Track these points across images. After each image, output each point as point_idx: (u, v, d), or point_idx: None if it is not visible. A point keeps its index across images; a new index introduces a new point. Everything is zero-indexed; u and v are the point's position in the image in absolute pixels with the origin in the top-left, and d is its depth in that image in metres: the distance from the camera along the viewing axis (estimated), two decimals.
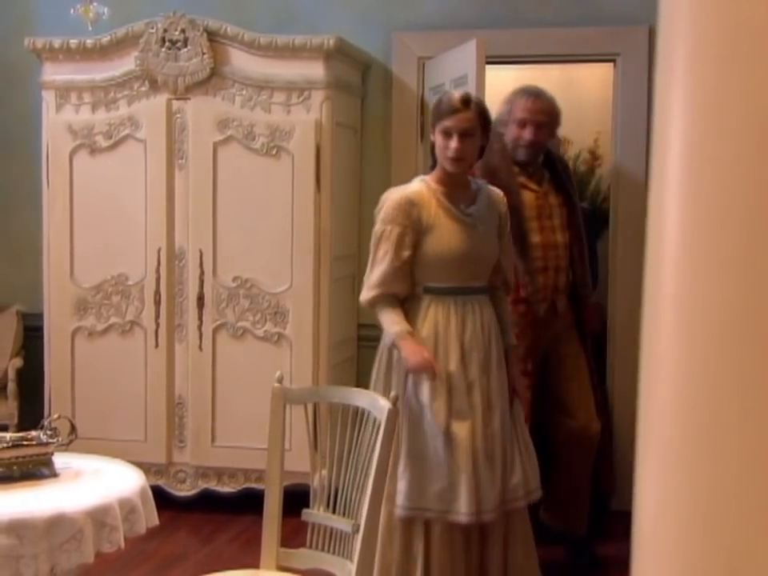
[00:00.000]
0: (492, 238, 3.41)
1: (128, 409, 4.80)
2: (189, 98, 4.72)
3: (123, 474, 2.87)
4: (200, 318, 4.75)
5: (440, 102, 3.39)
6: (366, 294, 3.34)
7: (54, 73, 4.84)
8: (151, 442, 4.75)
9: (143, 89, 4.76)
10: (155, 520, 2.79)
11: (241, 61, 4.68)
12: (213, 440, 4.77)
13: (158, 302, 4.77)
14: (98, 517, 2.56)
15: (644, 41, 4.72)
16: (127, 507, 2.65)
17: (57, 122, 4.84)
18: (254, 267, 4.69)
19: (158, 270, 4.76)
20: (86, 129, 4.81)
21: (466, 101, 3.29)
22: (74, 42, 4.76)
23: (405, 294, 3.34)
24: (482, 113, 3.34)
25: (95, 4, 3.12)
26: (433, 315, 3.31)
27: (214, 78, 4.68)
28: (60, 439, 2.85)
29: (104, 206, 4.83)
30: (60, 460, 2.84)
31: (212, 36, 4.65)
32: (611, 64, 4.93)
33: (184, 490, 4.78)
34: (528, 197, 4.03)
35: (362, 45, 4.97)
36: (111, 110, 4.80)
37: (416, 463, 3.23)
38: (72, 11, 3.21)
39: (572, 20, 4.80)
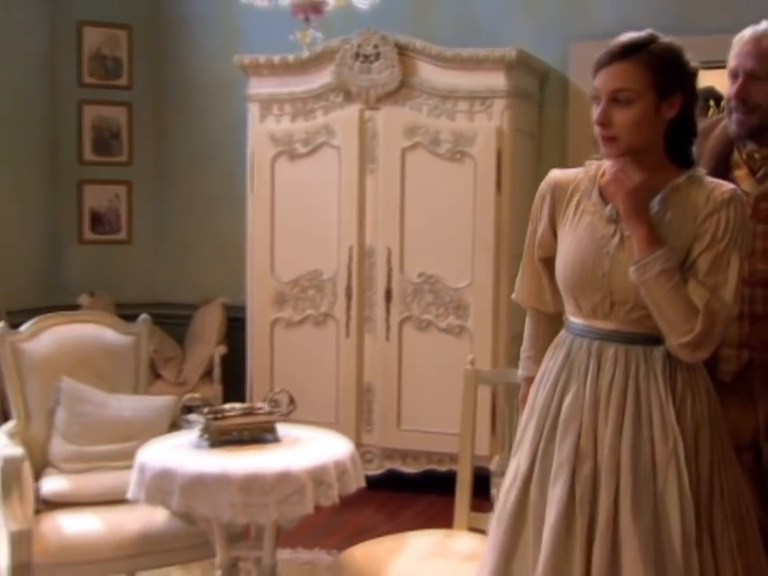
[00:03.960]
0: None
1: (321, 393, 5.23)
2: (380, 108, 5.12)
3: (335, 441, 3.28)
4: (387, 311, 5.15)
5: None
6: None
7: (259, 86, 5.33)
8: (342, 424, 5.16)
9: (338, 100, 5.19)
10: (362, 482, 3.16)
11: (428, 72, 5.05)
12: (398, 424, 5.15)
13: (349, 296, 5.20)
14: (317, 475, 2.96)
15: None
16: (340, 468, 3.04)
17: (260, 131, 5.33)
18: (437, 264, 5.05)
19: (349, 267, 5.18)
20: (287, 137, 5.28)
21: (624, 48, 2.18)
22: (276, 59, 5.23)
23: None
24: (656, 63, 2.17)
25: (311, 30, 3.54)
26: None
27: (403, 89, 5.07)
28: (281, 410, 3.28)
29: (301, 207, 5.28)
30: (280, 427, 3.27)
31: (402, 50, 5.04)
32: None
33: (371, 470, 5.17)
34: None
35: (540, 54, 5.25)
36: (309, 119, 5.26)
37: None
38: (291, 37, 3.64)
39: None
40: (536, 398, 2.32)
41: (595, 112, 2.20)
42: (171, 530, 3.27)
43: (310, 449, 3.16)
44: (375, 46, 5.07)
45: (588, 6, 5.32)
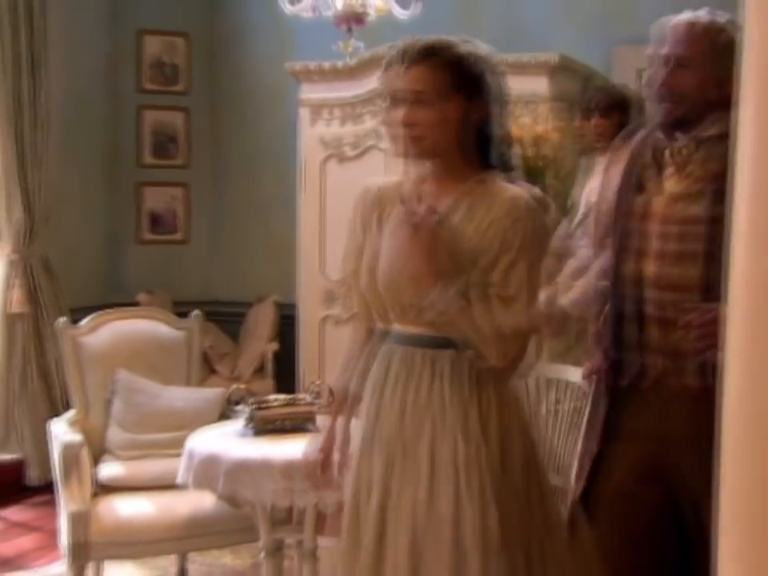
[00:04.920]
0: None
1: None
2: None
3: None
4: None
5: None
6: None
7: (309, 92, 5.51)
8: None
9: (385, 104, 5.34)
10: None
11: None
12: None
13: None
14: None
15: None
16: None
17: (311, 135, 5.51)
18: None
19: None
20: (336, 140, 5.46)
21: (427, 50, 2.20)
22: (327, 65, 5.41)
23: None
24: (459, 66, 2.20)
25: (353, 40, 3.70)
26: None
27: None
28: (322, 401, 3.45)
29: (350, 208, 5.44)
30: (320, 418, 3.44)
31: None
32: None
33: None
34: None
35: (583, 59, 5.36)
36: (357, 123, 5.42)
37: None
38: (334, 47, 3.81)
39: None
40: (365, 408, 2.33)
41: (389, 112, 2.24)
42: (218, 513, 3.47)
43: None
44: None
45: (631, 10, 5.41)
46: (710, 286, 2.25)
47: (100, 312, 4.02)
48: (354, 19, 3.68)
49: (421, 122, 2.18)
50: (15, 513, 4.88)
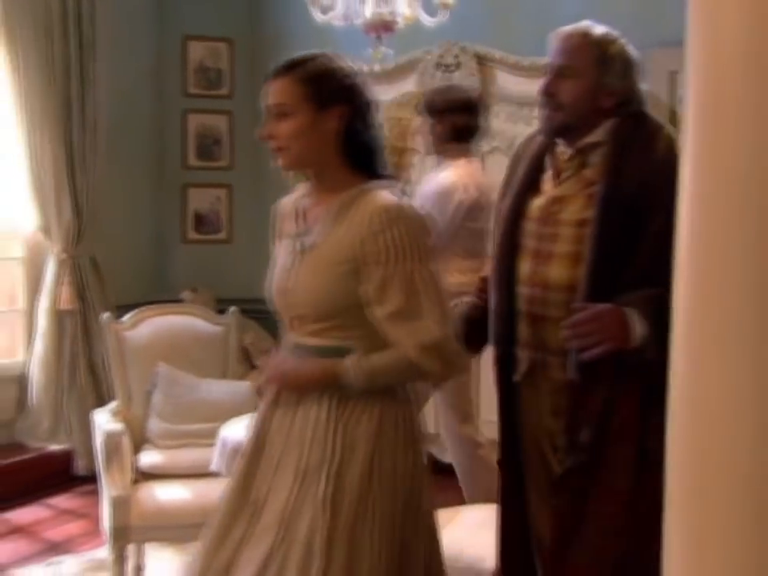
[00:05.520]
0: None
1: None
2: None
3: None
4: None
5: None
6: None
7: None
8: None
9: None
10: None
11: (505, 81, 5.31)
12: None
13: None
14: None
15: None
16: None
17: None
18: None
19: None
20: None
21: (283, 65, 2.28)
22: (365, 68, 5.54)
23: None
24: (309, 77, 2.24)
25: (383, 48, 3.85)
26: None
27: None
28: None
29: None
30: None
31: (481, 60, 5.31)
32: None
33: None
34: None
35: None
36: None
37: None
38: (364, 53, 3.97)
39: None
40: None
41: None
42: None
43: None
44: (455, 56, 5.35)
45: (664, 13, 5.48)
46: (576, 286, 2.34)
47: (142, 308, 4.21)
48: (382, 27, 3.82)
49: (282, 134, 2.24)
50: (64, 501, 5.10)
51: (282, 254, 2.37)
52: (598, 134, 2.42)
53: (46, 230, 5.50)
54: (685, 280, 1.11)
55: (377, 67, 5.47)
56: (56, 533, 4.62)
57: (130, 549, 3.66)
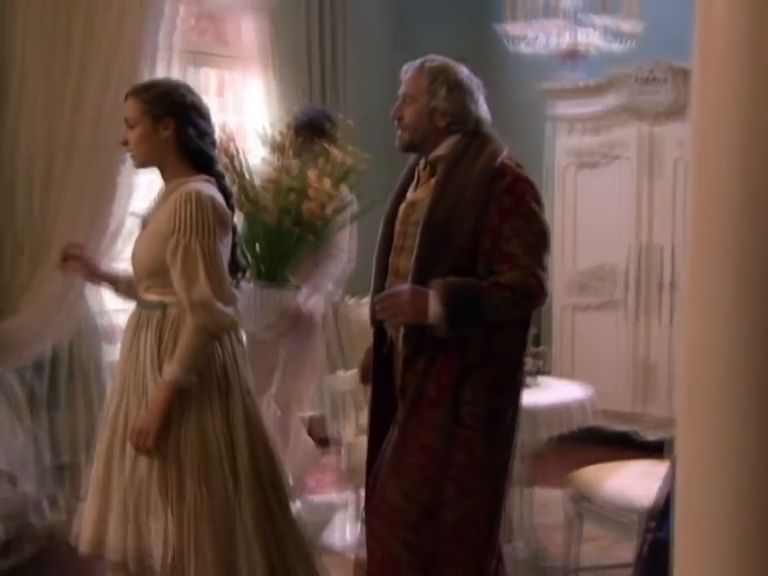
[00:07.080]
0: None
1: (607, 366, 6.08)
2: (661, 125, 5.92)
3: (575, 389, 4.25)
4: (663, 300, 5.95)
5: None
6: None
7: (558, 107, 6.26)
8: (620, 395, 6.05)
9: (626, 117, 6.02)
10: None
11: None
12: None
13: (638, 286, 6.04)
14: (557, 410, 3.93)
15: None
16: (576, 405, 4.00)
17: (559, 146, 6.28)
18: None
19: (637, 260, 6.03)
20: (582, 151, 6.19)
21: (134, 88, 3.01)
22: (581, 83, 6.09)
23: None
24: (147, 97, 2.91)
25: (575, 72, 4.41)
26: None
27: (682, 108, 5.77)
28: (543, 363, 4.25)
29: (593, 210, 6.17)
30: (541, 377, 4.25)
31: (680, 74, 5.77)
32: None
33: (650, 436, 5.93)
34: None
35: None
36: (602, 135, 6.12)
37: None
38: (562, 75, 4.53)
39: None
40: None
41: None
42: None
43: (556, 392, 4.15)
44: (656, 71, 5.85)
45: None
46: (415, 276, 2.82)
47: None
48: (569, 56, 4.40)
49: (131, 141, 2.89)
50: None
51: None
52: (443, 148, 2.94)
53: None
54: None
55: (592, 82, 6.02)
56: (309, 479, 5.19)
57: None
